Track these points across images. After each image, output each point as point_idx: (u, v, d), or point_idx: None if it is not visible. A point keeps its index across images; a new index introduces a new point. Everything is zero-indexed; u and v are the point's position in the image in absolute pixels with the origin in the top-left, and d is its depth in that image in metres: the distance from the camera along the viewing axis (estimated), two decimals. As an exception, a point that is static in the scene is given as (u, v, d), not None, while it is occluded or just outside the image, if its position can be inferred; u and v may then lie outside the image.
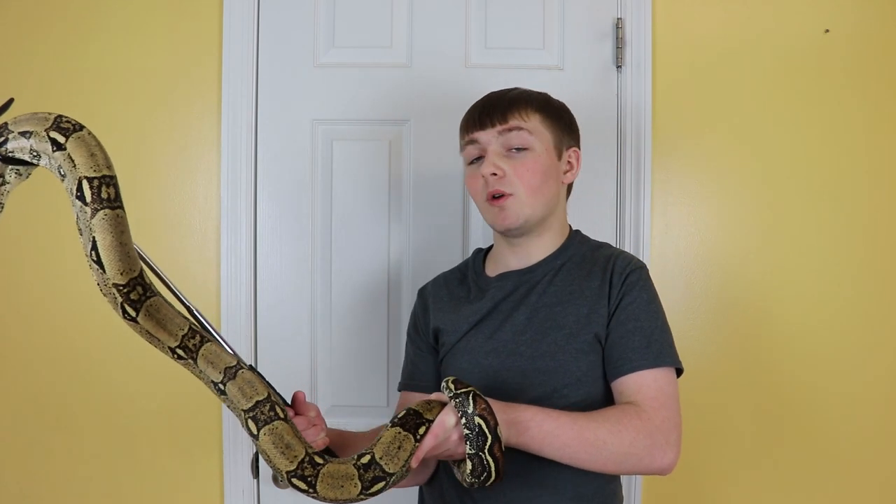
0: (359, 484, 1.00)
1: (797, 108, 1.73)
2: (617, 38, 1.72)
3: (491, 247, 1.39)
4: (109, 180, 0.93)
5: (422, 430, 1.04)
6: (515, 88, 1.32)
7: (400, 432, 1.04)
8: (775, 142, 1.73)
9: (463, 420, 1.03)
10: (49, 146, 0.93)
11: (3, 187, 0.97)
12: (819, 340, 1.73)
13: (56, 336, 1.72)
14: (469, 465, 1.04)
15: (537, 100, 1.29)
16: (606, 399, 1.23)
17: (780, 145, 1.73)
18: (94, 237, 0.93)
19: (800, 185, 1.73)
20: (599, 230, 1.71)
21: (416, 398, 1.31)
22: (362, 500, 1.01)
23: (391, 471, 1.01)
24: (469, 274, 1.37)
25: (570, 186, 1.35)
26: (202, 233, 1.73)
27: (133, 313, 0.98)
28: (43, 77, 1.71)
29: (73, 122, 0.95)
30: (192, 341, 1.02)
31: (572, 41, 1.73)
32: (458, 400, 1.04)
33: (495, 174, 1.23)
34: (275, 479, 1.68)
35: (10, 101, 0.96)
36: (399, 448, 1.03)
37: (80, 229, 0.94)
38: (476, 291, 1.33)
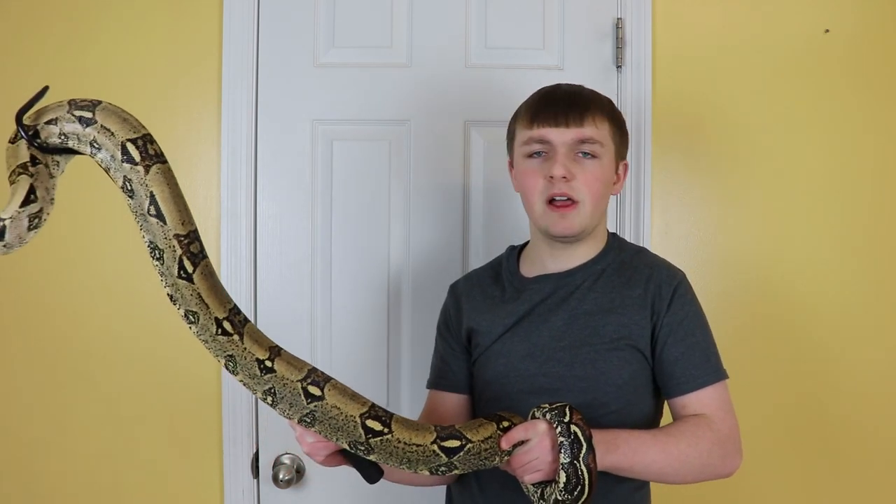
0: (434, 433, 1.02)
1: (797, 108, 1.73)
2: (617, 38, 1.72)
3: (525, 244, 1.36)
4: (150, 138, 0.96)
5: (505, 424, 1.07)
6: (584, 87, 1.28)
7: (482, 420, 1.07)
8: (775, 142, 1.73)
9: (558, 429, 1.04)
10: (78, 125, 0.95)
11: (52, 180, 0.97)
12: (820, 339, 1.73)
13: (56, 336, 1.72)
14: (563, 476, 1.02)
15: (609, 107, 1.27)
16: (646, 408, 1.23)
17: (780, 145, 1.73)
18: (151, 192, 0.94)
19: (800, 184, 1.73)
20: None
21: (447, 398, 1.32)
22: (434, 451, 1.01)
23: (469, 436, 1.03)
24: (503, 273, 1.34)
25: None
26: (202, 233, 1.71)
27: (190, 269, 0.96)
28: (43, 77, 1.68)
29: (89, 100, 0.97)
30: (237, 317, 1.00)
31: (572, 41, 1.73)
32: (553, 413, 1.05)
33: (566, 178, 1.19)
34: (275, 479, 1.68)
35: (46, 88, 0.96)
36: (479, 426, 1.06)
37: (130, 191, 0.95)
38: (511, 291, 1.30)
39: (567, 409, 1.05)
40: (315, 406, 1.00)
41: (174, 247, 0.96)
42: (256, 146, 1.73)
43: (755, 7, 1.73)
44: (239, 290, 1.71)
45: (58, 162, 0.98)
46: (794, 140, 1.73)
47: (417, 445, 1.01)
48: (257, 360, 1.00)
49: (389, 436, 1.00)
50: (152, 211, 0.95)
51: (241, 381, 1.01)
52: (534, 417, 1.08)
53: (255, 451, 1.72)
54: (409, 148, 1.73)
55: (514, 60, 1.72)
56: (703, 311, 1.25)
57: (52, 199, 0.96)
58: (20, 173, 0.93)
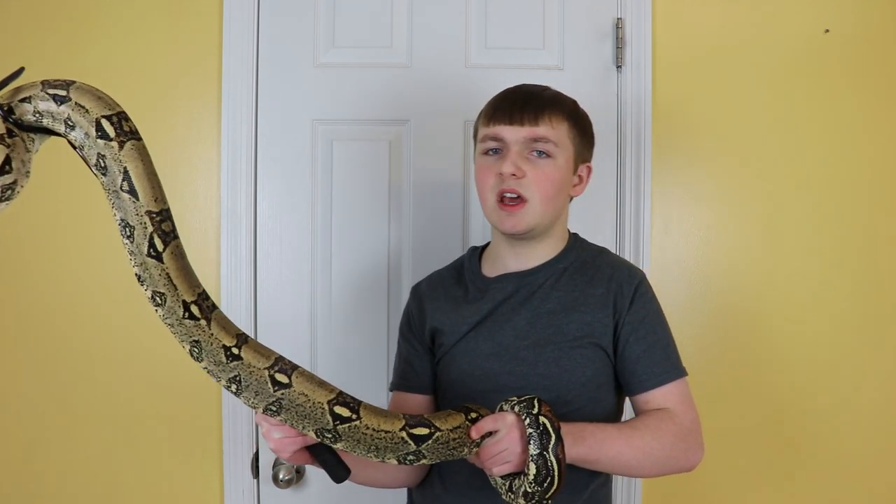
0: (402, 420, 1.02)
1: (797, 108, 1.73)
2: (617, 38, 1.72)
3: (486, 245, 1.38)
4: (125, 116, 0.95)
5: (473, 415, 1.07)
6: (548, 89, 1.29)
7: (450, 411, 1.07)
8: (775, 142, 1.73)
9: (527, 421, 1.04)
10: (52, 103, 0.95)
11: (28, 154, 0.95)
12: (819, 340, 1.73)
13: (56, 336, 1.72)
14: (533, 468, 1.03)
15: (570, 108, 1.27)
16: (608, 405, 1.25)
17: (779, 145, 1.73)
18: (125, 167, 0.94)
19: (800, 185, 1.73)
20: (599, 230, 1.71)
21: (411, 399, 1.31)
22: (403, 438, 1.00)
23: (438, 425, 1.03)
24: (465, 273, 1.35)
25: (571, 197, 1.34)
26: (202, 233, 1.73)
27: (161, 247, 0.95)
28: (44, 77, 1.71)
29: (62, 79, 0.96)
30: (207, 302, 0.99)
31: (572, 41, 1.73)
32: (522, 405, 1.06)
33: (515, 175, 1.21)
34: (275, 479, 1.68)
35: (21, 69, 0.96)
36: (448, 416, 1.05)
37: (104, 168, 0.94)
38: (474, 291, 1.31)
39: (535, 402, 1.06)
40: (282, 394, 0.99)
41: (146, 223, 0.95)
42: (256, 146, 1.73)
43: (755, 7, 1.73)
44: (239, 290, 1.71)
45: (33, 139, 0.98)
46: (793, 140, 1.73)
47: (386, 432, 1.00)
48: (224, 346, 0.98)
49: (358, 422, 0.99)
50: (125, 186, 0.94)
51: (204, 368, 0.99)
52: (502, 410, 1.09)
53: (255, 451, 1.72)
54: (409, 148, 1.73)
55: (514, 60, 1.72)
56: (663, 311, 1.27)
57: (28, 172, 0.95)
58: None
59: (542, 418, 1.04)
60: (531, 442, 1.04)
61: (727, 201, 1.74)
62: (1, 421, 1.73)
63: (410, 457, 1.02)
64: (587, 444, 1.10)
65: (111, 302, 1.72)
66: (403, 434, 1.01)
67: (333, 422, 0.99)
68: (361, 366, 1.72)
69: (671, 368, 1.21)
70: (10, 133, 0.93)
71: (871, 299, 1.73)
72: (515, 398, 1.08)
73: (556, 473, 1.03)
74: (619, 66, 1.72)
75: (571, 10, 1.73)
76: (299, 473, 1.72)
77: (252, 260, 1.73)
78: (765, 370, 1.73)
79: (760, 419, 1.73)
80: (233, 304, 1.71)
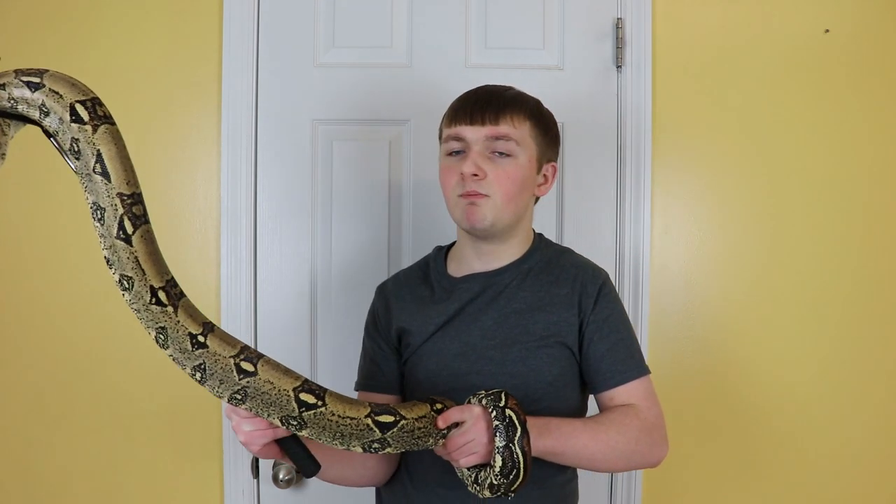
0: (368, 408, 1.02)
1: (797, 108, 1.73)
2: (617, 38, 1.72)
3: (452, 244, 1.38)
4: (99, 101, 0.96)
5: (438, 406, 1.08)
6: (511, 88, 1.29)
7: (416, 402, 1.08)
8: (775, 142, 1.73)
9: (493, 413, 1.06)
10: (26, 90, 0.96)
11: (4, 137, 0.97)
12: (819, 341, 1.73)
13: (56, 336, 1.72)
14: (499, 460, 1.04)
15: (531, 107, 1.27)
16: (573, 403, 1.26)
17: (780, 145, 1.73)
18: (98, 150, 0.94)
19: (800, 184, 1.73)
20: (599, 231, 1.71)
21: (377, 399, 1.30)
22: (368, 425, 1.01)
23: (403, 413, 1.03)
24: (431, 273, 1.35)
25: (536, 197, 1.34)
26: (202, 233, 1.73)
27: (130, 230, 0.96)
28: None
29: (36, 68, 0.97)
30: (175, 290, 0.99)
31: (572, 41, 1.73)
32: (489, 398, 1.07)
33: (476, 175, 1.21)
34: (275, 479, 1.68)
35: None
36: (414, 406, 1.06)
37: (77, 152, 0.95)
38: (440, 291, 1.31)
39: (502, 395, 1.07)
40: (247, 382, 0.99)
41: (116, 205, 0.95)
42: (256, 146, 1.73)
43: (755, 7, 1.73)
44: (239, 290, 1.71)
45: (9, 124, 0.99)
46: (793, 140, 1.73)
47: (351, 419, 1.00)
48: (190, 334, 0.98)
49: (323, 409, 0.99)
50: (98, 169, 0.94)
51: (170, 355, 1.00)
52: (469, 403, 1.10)
53: (255, 451, 1.72)
54: (409, 148, 1.73)
55: (514, 60, 1.72)
56: (625, 310, 1.29)
57: (3, 154, 0.96)
58: None
59: (508, 411, 1.05)
60: (497, 434, 1.05)
61: (727, 201, 1.74)
62: (1, 421, 1.73)
63: (375, 444, 1.03)
64: (553, 436, 1.11)
65: (111, 302, 1.72)
66: (368, 421, 1.01)
67: (299, 409, 0.99)
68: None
69: (635, 366, 1.23)
70: None
71: (871, 299, 1.73)
72: (483, 392, 1.09)
73: (521, 466, 1.04)
74: (619, 66, 1.72)
75: (571, 10, 1.73)
76: (299, 473, 1.72)
77: (252, 260, 1.73)
78: (764, 369, 1.73)
79: (760, 419, 1.73)
80: (233, 304, 1.71)
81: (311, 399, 0.99)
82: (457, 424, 1.08)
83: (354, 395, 1.36)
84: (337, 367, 1.73)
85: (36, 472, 1.73)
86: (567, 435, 1.13)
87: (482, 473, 1.08)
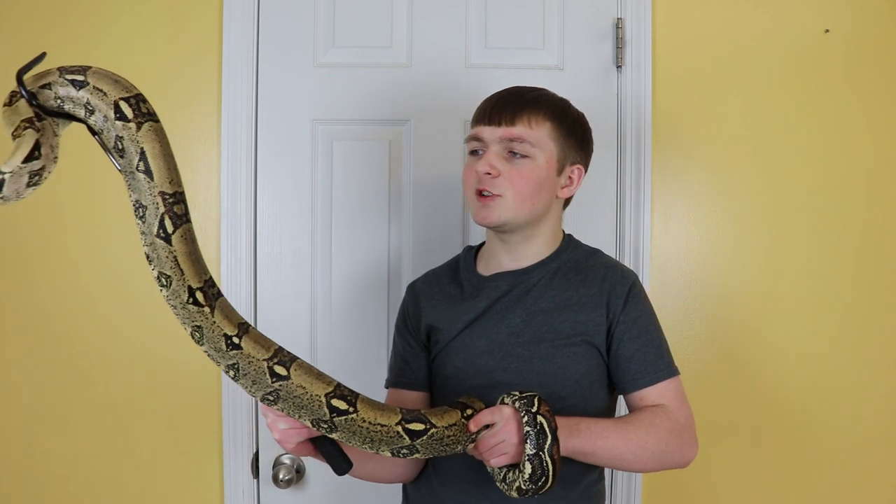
0: (399, 414, 1.03)
1: (797, 108, 1.73)
2: (617, 38, 1.72)
3: (482, 245, 1.39)
4: (143, 98, 0.97)
5: (469, 412, 1.08)
6: (537, 90, 1.30)
7: (447, 408, 1.08)
8: (775, 142, 1.73)
9: (525, 418, 1.06)
10: (71, 88, 0.96)
11: (56, 139, 0.96)
12: (819, 341, 1.73)
13: (56, 336, 1.72)
14: (529, 467, 1.05)
15: (554, 108, 1.28)
16: (600, 403, 1.27)
17: (780, 145, 1.73)
18: (142, 148, 0.95)
19: (800, 185, 1.73)
20: (599, 231, 1.71)
21: (407, 396, 1.33)
22: (398, 432, 1.02)
23: (434, 421, 1.04)
24: (461, 272, 1.37)
25: (568, 199, 1.35)
26: (202, 233, 1.72)
27: (171, 229, 0.96)
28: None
29: (78, 65, 0.98)
30: (212, 290, 1.00)
31: (572, 41, 1.73)
32: (522, 401, 1.08)
33: (489, 173, 1.23)
34: (275, 479, 1.68)
35: (44, 54, 0.97)
36: (445, 413, 1.07)
37: (121, 150, 0.95)
38: (470, 289, 1.32)
39: (536, 400, 1.08)
40: (280, 385, 1.00)
41: (158, 204, 0.95)
42: (256, 146, 1.73)
43: (755, 7, 1.73)
44: (239, 290, 1.71)
45: (57, 123, 0.98)
46: (794, 139, 1.73)
47: (382, 426, 1.02)
48: (225, 335, 1.00)
49: (354, 415, 1.01)
50: (141, 167, 0.95)
51: (205, 351, 1.01)
52: (503, 403, 1.11)
53: (255, 451, 1.72)
54: (409, 148, 1.73)
55: (514, 60, 1.72)
56: (654, 312, 1.29)
57: (56, 157, 0.95)
58: (26, 127, 0.91)
59: (539, 417, 1.06)
60: (528, 441, 1.05)
61: (727, 201, 1.74)
62: (1, 420, 1.73)
63: (404, 451, 1.04)
64: (583, 436, 1.12)
65: (111, 302, 1.72)
66: (399, 429, 1.02)
67: (330, 414, 1.00)
68: (361, 365, 1.72)
69: (665, 367, 1.24)
70: (38, 117, 0.94)
71: (872, 299, 1.73)
72: (517, 393, 1.10)
73: (550, 473, 1.05)
74: (619, 66, 1.72)
75: (571, 10, 1.73)
76: (299, 473, 1.72)
77: (252, 260, 1.73)
78: (764, 370, 1.73)
79: (760, 418, 1.73)
80: (233, 304, 1.70)
81: (342, 405, 1.01)
82: (488, 425, 1.09)
83: (384, 394, 1.38)
84: (337, 367, 1.72)
85: (36, 472, 1.73)
86: (597, 435, 1.14)
87: (510, 474, 1.09)
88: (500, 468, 1.11)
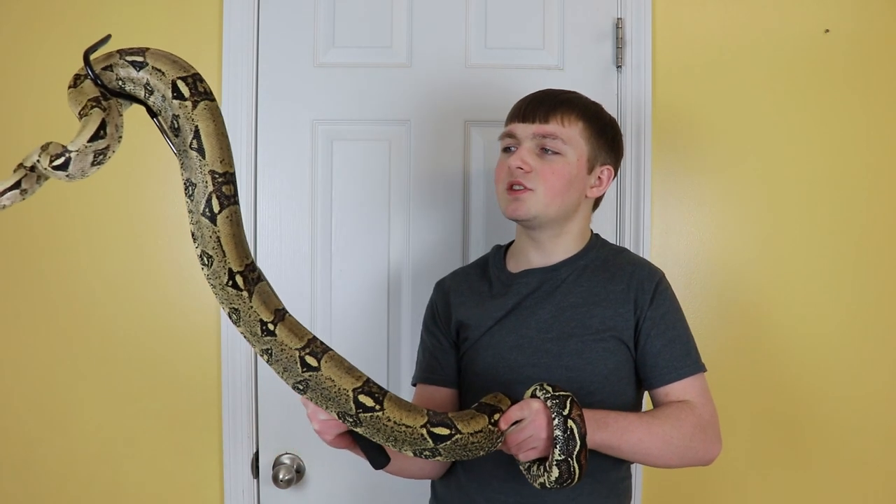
0: (425, 417, 1.03)
1: (797, 108, 1.73)
2: (617, 38, 1.72)
3: (511, 243, 1.41)
4: (200, 77, 0.98)
5: (496, 417, 1.07)
6: (571, 92, 1.34)
7: (474, 412, 1.07)
8: (775, 142, 1.73)
9: (556, 421, 1.07)
10: (132, 69, 0.97)
11: (120, 118, 0.97)
12: (819, 341, 1.73)
13: (57, 336, 1.72)
14: (556, 471, 1.06)
15: (586, 109, 1.31)
16: (628, 398, 1.27)
17: (780, 145, 1.73)
18: (196, 126, 0.95)
19: (800, 185, 1.73)
20: (599, 231, 1.70)
21: (437, 393, 1.34)
22: (423, 435, 1.02)
23: (460, 427, 1.03)
24: (490, 269, 1.39)
25: (598, 200, 1.37)
26: (202, 233, 1.73)
27: (217, 209, 0.96)
28: (44, 77, 1.71)
29: (137, 47, 0.98)
30: (252, 274, 1.00)
31: (572, 41, 1.73)
32: (555, 401, 1.08)
33: (521, 168, 1.25)
34: (275, 479, 1.68)
35: (108, 37, 0.98)
36: (472, 418, 1.06)
37: (177, 129, 0.96)
38: (499, 286, 1.34)
39: (568, 402, 1.07)
40: (309, 376, 1.01)
41: (207, 182, 0.96)
42: (256, 146, 1.73)
43: (755, 7, 1.73)
44: (239, 290, 1.71)
45: (121, 104, 0.99)
46: (794, 140, 1.73)
47: (407, 426, 1.02)
48: (261, 320, 1.00)
49: (380, 413, 1.01)
50: (194, 145, 0.96)
51: (241, 332, 1.02)
52: (534, 395, 1.10)
53: (255, 451, 1.72)
54: (409, 148, 1.73)
55: (514, 60, 1.72)
56: (681, 308, 1.30)
57: (120, 136, 0.96)
58: (93, 107, 0.93)
59: (570, 422, 1.05)
60: (556, 446, 1.06)
61: (727, 202, 1.74)
62: (1, 420, 1.73)
63: (427, 452, 1.04)
64: (610, 430, 1.13)
65: (113, 302, 1.72)
66: (423, 431, 1.02)
67: (356, 409, 1.01)
68: (361, 365, 1.70)
69: (692, 363, 1.25)
70: (104, 97, 0.95)
71: (873, 298, 1.73)
72: (550, 389, 1.09)
73: (577, 476, 1.06)
74: (619, 66, 1.72)
75: (571, 10, 1.73)
76: (299, 473, 1.72)
77: (252, 260, 1.72)
78: (765, 370, 1.73)
79: (761, 417, 1.73)
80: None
81: (369, 402, 1.01)
82: (517, 421, 1.09)
83: (411, 391, 1.39)
84: (337, 367, 1.73)
85: (36, 471, 1.73)
86: (623, 429, 1.15)
87: (535, 468, 1.10)
88: (526, 461, 1.12)
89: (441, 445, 1.03)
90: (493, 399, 1.12)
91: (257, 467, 1.72)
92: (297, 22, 1.73)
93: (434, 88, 1.72)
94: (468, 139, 1.72)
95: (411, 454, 1.04)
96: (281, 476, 1.68)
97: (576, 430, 1.05)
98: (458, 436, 1.03)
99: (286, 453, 1.72)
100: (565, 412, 1.06)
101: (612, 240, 1.72)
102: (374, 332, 1.73)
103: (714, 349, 1.73)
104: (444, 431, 1.03)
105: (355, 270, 1.74)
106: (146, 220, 1.73)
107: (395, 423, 1.01)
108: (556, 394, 1.08)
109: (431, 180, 1.73)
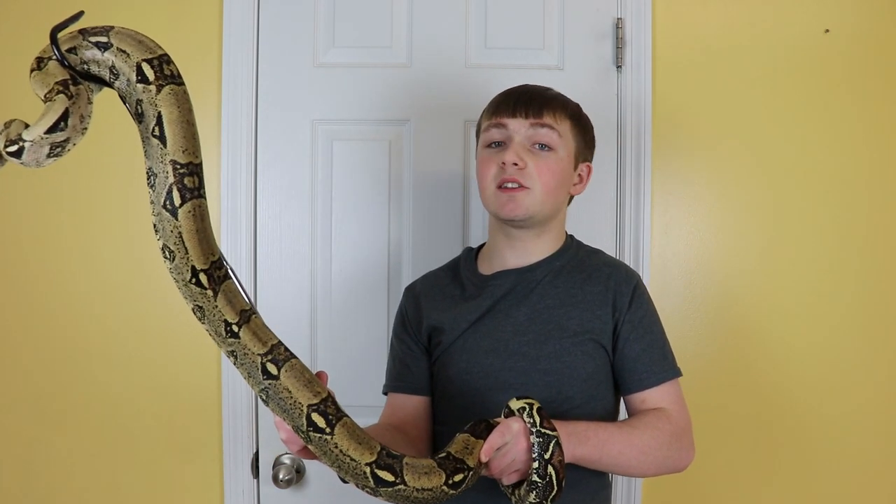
0: (374, 455, 0.96)
1: (797, 108, 1.73)
2: (617, 38, 1.72)
3: (482, 246, 1.38)
4: (167, 59, 0.90)
5: (458, 478, 1.01)
6: (552, 89, 1.32)
7: (469, 438, 1.03)
8: (775, 142, 1.73)
9: (536, 465, 1.04)
10: (96, 51, 0.90)
11: (89, 107, 0.89)
12: (819, 341, 1.73)
13: (56, 337, 1.73)
14: (537, 479, 1.03)
15: (571, 108, 1.30)
16: (607, 403, 1.25)
17: (780, 145, 1.73)
18: (159, 112, 0.88)
19: (800, 185, 1.73)
20: (599, 231, 1.71)
21: (407, 401, 1.30)
22: (365, 473, 0.95)
23: (407, 479, 0.97)
24: (462, 272, 1.35)
25: (571, 197, 1.36)
26: (202, 233, 1.73)
27: (179, 202, 0.89)
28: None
29: (101, 26, 0.92)
30: (218, 272, 0.94)
31: (572, 41, 1.73)
32: (539, 439, 1.04)
33: (517, 164, 1.21)
34: (275, 479, 1.68)
35: (81, 13, 0.92)
36: (426, 473, 0.99)
37: (140, 115, 0.89)
38: (472, 289, 1.31)
39: (552, 445, 1.03)
40: (269, 384, 0.95)
41: (168, 173, 0.89)
42: (256, 146, 1.73)
43: (755, 7, 1.73)
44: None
45: (92, 90, 0.92)
46: (793, 139, 1.73)
47: (352, 459, 0.96)
48: (225, 321, 0.94)
49: (328, 437, 0.95)
50: (156, 131, 0.89)
51: (206, 330, 0.96)
52: (519, 410, 1.06)
53: (255, 451, 1.72)
54: (409, 148, 1.73)
55: (514, 60, 1.72)
56: (657, 311, 1.29)
57: (85, 129, 0.88)
58: (59, 91, 0.86)
59: (550, 468, 1.03)
60: (533, 492, 1.03)
61: (727, 201, 1.74)
62: (1, 421, 1.73)
63: (368, 490, 0.98)
64: (590, 443, 1.11)
65: (112, 303, 1.72)
66: (367, 469, 0.96)
67: (307, 426, 0.95)
68: (362, 365, 1.72)
69: (669, 367, 1.24)
70: (74, 80, 0.88)
71: (872, 299, 1.73)
72: (538, 419, 1.05)
73: (555, 483, 1.03)
74: (619, 66, 1.72)
75: (571, 10, 1.73)
76: (299, 473, 1.72)
77: (252, 260, 1.73)
78: (763, 370, 1.73)
79: (759, 419, 1.73)
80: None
81: (321, 423, 0.95)
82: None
83: (383, 398, 1.35)
84: (336, 367, 1.72)
85: (36, 472, 1.73)
86: (603, 442, 1.12)
87: (519, 489, 1.07)
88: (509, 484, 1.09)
89: (382, 489, 0.97)
90: (462, 445, 1.03)
91: (257, 467, 1.72)
92: (297, 22, 1.73)
93: (434, 88, 1.72)
94: (468, 139, 1.72)
95: (354, 485, 0.99)
96: (281, 476, 1.68)
97: (554, 478, 1.03)
98: (401, 486, 0.96)
99: (286, 453, 1.72)
100: (547, 455, 1.03)
101: (612, 240, 1.72)
102: (375, 331, 1.73)
103: (714, 349, 1.73)
104: (388, 477, 0.96)
105: (355, 270, 1.74)
106: (146, 220, 1.72)
107: (341, 451, 0.95)
108: (543, 430, 1.04)
109: (431, 180, 1.73)
